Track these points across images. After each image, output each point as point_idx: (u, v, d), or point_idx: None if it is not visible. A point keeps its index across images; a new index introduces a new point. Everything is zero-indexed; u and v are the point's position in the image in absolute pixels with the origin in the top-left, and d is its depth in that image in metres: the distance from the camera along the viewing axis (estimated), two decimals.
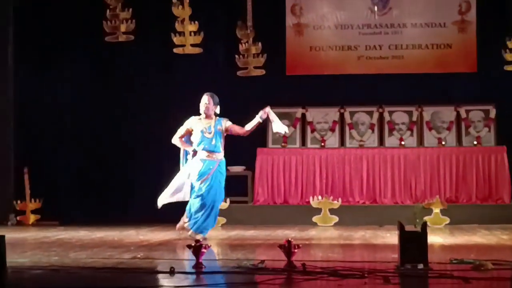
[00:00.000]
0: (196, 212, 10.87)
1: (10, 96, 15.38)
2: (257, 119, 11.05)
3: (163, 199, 11.34)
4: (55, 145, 15.78)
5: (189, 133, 11.18)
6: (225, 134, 11.08)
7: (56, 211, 15.06)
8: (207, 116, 11.05)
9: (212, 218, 11.02)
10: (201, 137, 10.94)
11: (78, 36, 15.91)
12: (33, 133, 15.63)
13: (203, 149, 10.91)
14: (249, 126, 11.12)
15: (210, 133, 10.92)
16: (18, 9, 15.48)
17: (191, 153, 11.15)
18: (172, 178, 15.40)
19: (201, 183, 10.83)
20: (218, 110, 11.10)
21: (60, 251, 9.33)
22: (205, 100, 11.12)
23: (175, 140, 11.36)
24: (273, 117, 11.08)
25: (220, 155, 11.01)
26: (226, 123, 11.10)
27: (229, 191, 14.81)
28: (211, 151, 10.89)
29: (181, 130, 11.29)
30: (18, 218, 14.98)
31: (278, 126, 11.05)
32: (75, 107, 15.98)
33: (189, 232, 10.90)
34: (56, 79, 15.91)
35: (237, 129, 11.16)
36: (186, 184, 11.16)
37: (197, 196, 10.87)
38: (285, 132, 11.24)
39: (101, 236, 11.71)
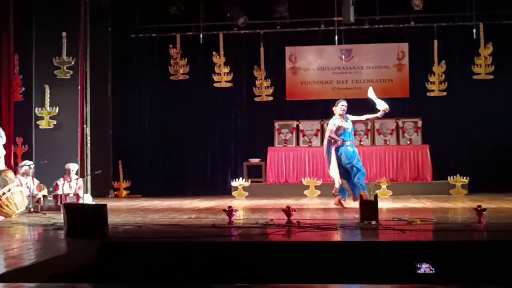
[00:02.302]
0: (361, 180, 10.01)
1: (109, 114, 15.32)
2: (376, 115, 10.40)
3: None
4: (138, 145, 15.75)
5: (338, 129, 10.10)
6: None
7: (140, 188, 15.02)
8: (342, 116, 10.19)
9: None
10: (348, 133, 10.13)
11: (153, 75, 15.85)
12: (124, 138, 15.56)
13: (350, 140, 10.15)
14: (366, 116, 10.47)
15: (349, 128, 10.21)
16: (114, 57, 15.39)
17: (334, 144, 10.07)
18: (211, 165, 15.45)
19: (355, 161, 10.07)
20: None
21: (142, 214, 9.37)
22: (345, 104, 10.24)
23: (332, 134, 10.08)
24: (377, 100, 10.41)
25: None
26: (352, 117, 10.34)
27: (250, 175, 14.80)
28: (352, 141, 10.22)
29: (333, 128, 10.10)
30: (115, 193, 14.96)
31: (381, 105, 10.36)
32: (151, 119, 15.89)
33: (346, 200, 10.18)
34: (138, 102, 15.89)
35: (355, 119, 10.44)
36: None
37: (363, 171, 10.08)
38: (386, 108, 10.25)
39: (168, 204, 11.68)
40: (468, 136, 14.83)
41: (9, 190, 8.99)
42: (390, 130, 15.11)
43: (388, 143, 14.93)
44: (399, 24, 15.18)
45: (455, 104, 14.96)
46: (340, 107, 10.22)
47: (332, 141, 10.16)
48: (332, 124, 10.18)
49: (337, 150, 10.13)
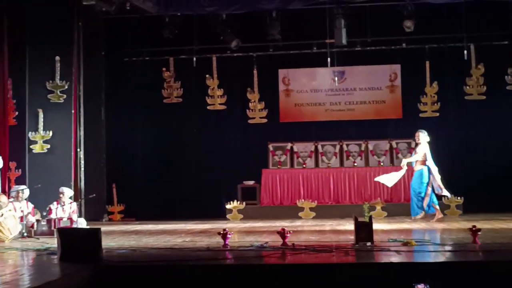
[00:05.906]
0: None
1: (103, 137, 15.25)
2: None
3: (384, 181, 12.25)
4: (132, 168, 15.72)
5: None
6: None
7: (134, 211, 14.91)
8: None
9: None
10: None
11: (146, 98, 15.84)
12: (118, 161, 15.50)
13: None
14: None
15: None
16: (108, 81, 15.38)
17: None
18: (205, 188, 15.31)
19: None
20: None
21: (136, 237, 9.34)
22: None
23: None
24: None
25: None
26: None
27: (244, 197, 14.74)
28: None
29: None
30: (109, 217, 14.86)
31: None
32: (144, 142, 15.88)
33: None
34: (132, 125, 15.84)
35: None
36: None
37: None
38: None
39: (162, 228, 11.62)
40: (461, 156, 14.86)
41: (2, 214, 8.94)
42: (383, 151, 15.13)
43: (382, 164, 14.92)
44: (391, 46, 15.26)
45: (447, 124, 15.03)
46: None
47: None
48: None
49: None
